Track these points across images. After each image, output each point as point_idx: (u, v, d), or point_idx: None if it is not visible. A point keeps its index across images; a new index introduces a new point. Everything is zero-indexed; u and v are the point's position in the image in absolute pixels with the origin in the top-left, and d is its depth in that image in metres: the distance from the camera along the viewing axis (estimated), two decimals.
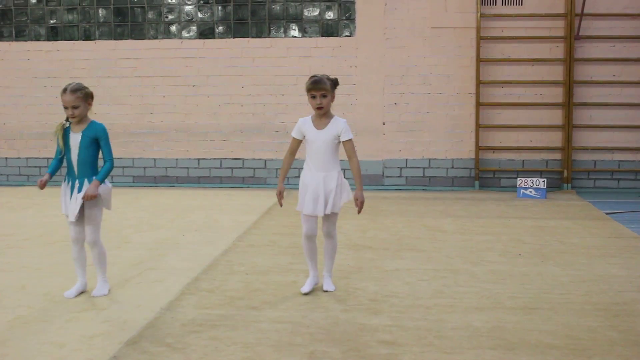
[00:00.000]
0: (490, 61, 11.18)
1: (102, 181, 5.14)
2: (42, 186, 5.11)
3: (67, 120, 5.16)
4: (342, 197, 5.25)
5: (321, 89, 5.12)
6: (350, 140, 5.20)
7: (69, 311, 4.94)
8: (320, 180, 5.18)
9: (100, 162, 5.17)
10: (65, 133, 5.14)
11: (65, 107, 5.07)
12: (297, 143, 5.37)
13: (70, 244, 5.31)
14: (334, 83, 5.21)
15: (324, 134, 5.17)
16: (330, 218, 5.28)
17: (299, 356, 4.09)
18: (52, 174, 5.20)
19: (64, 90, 5.07)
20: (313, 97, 5.16)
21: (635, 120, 11.08)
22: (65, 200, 5.20)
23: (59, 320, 4.75)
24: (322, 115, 5.20)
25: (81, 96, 5.06)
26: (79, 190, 5.10)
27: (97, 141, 5.14)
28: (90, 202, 5.13)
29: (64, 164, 5.26)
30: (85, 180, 5.12)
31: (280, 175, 5.38)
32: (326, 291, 5.34)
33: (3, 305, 5.05)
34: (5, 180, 12.08)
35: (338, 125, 5.17)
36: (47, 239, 7.28)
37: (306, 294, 5.28)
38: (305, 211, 5.24)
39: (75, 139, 5.12)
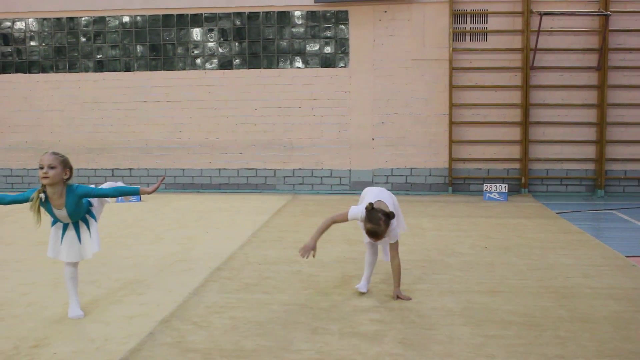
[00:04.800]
0: (461, 87, 11.19)
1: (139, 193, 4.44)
2: None
3: (42, 192, 4.17)
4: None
5: (379, 238, 4.55)
6: (395, 242, 4.68)
7: (113, 295, 4.95)
8: None
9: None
10: (48, 209, 4.22)
11: (41, 167, 4.09)
12: (344, 220, 4.63)
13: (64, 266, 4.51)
14: (389, 217, 4.44)
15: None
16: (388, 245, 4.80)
17: (303, 332, 4.09)
18: None
19: (45, 153, 4.17)
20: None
21: (580, 136, 11.09)
22: (55, 245, 4.41)
23: (104, 302, 4.76)
24: None
25: (60, 159, 4.15)
26: (77, 229, 4.39)
27: (84, 200, 4.31)
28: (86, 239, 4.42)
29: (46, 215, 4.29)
30: (80, 221, 4.40)
31: (317, 233, 4.56)
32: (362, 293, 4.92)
33: (59, 292, 5.06)
34: None
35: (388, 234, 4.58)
36: None
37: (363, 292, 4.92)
38: (365, 240, 4.90)
39: (61, 213, 4.25)
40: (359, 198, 5.13)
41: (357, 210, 4.58)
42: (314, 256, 4.55)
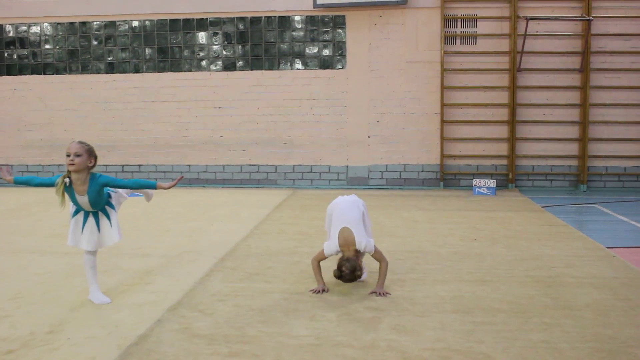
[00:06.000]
0: (452, 88, 11.18)
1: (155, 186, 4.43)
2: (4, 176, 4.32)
3: (67, 177, 4.21)
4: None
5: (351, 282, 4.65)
6: (375, 251, 4.62)
7: (123, 284, 4.95)
8: None
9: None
10: (71, 195, 4.24)
11: (68, 155, 4.15)
12: (324, 258, 4.75)
13: (85, 255, 4.50)
14: (354, 271, 4.49)
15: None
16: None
17: (302, 319, 4.10)
18: (18, 182, 4.32)
19: (72, 142, 4.25)
20: None
21: (564, 134, 11.09)
22: (76, 234, 4.41)
23: (114, 291, 4.75)
24: None
25: (86, 148, 4.22)
26: (96, 219, 4.40)
27: (105, 190, 4.34)
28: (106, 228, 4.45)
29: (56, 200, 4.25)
30: (99, 212, 4.41)
31: (317, 276, 4.72)
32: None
33: (73, 281, 5.06)
34: None
35: (363, 250, 4.63)
36: None
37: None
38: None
39: (83, 200, 4.25)
40: (326, 214, 4.98)
41: (330, 247, 4.67)
42: (327, 291, 4.66)
